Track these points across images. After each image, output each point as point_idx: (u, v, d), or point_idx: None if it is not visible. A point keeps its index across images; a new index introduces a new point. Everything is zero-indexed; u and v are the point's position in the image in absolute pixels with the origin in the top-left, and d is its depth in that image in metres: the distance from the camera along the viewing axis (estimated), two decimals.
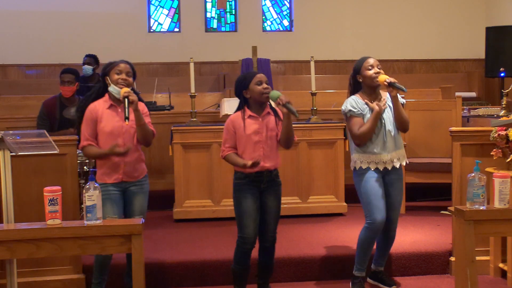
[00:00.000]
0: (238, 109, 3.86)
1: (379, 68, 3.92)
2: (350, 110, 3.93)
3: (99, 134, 3.75)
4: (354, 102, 3.94)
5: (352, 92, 4.05)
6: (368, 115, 3.90)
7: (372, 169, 3.92)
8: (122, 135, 3.73)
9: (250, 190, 3.76)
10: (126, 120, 3.60)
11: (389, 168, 3.95)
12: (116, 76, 3.75)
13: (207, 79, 9.05)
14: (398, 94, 3.92)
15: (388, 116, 3.94)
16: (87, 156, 3.90)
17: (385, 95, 3.99)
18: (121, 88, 3.70)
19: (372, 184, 3.91)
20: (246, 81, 3.76)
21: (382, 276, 4.17)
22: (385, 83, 3.84)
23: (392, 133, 3.94)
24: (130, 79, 3.79)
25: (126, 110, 3.61)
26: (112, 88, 3.73)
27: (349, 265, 4.22)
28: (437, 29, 9.65)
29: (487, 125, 4.66)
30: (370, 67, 3.91)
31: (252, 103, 3.79)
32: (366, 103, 3.92)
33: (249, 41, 7.62)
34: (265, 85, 3.73)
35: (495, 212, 3.33)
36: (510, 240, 4.15)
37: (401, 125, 3.96)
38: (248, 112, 3.78)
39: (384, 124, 3.93)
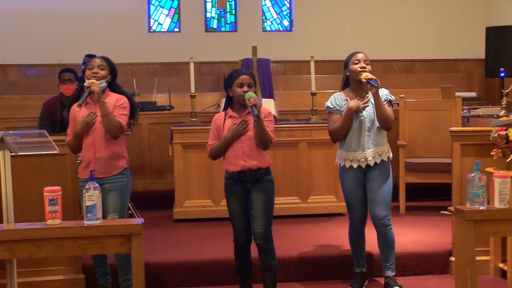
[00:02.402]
0: (225, 107, 3.90)
1: (366, 64, 3.91)
2: (327, 107, 4.00)
3: None
4: (334, 99, 4.00)
5: (343, 87, 4.09)
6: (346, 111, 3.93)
7: (347, 167, 3.96)
8: (92, 132, 3.82)
9: (237, 191, 3.80)
10: (78, 107, 3.76)
11: (363, 166, 3.94)
12: (88, 72, 3.89)
13: (207, 79, 9.04)
14: (389, 92, 3.95)
15: (368, 114, 3.91)
16: (72, 149, 3.98)
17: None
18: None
19: (348, 184, 4.01)
20: (230, 79, 3.80)
21: (389, 280, 4.09)
22: (364, 80, 3.84)
23: (371, 130, 3.92)
24: (102, 72, 3.88)
25: (82, 98, 3.76)
26: (86, 83, 3.84)
27: (349, 265, 4.22)
28: (437, 29, 9.65)
29: (487, 125, 4.66)
30: (356, 61, 3.92)
31: (234, 102, 3.84)
32: (346, 100, 3.94)
33: (249, 41, 7.61)
34: (245, 88, 3.72)
35: (495, 212, 3.33)
36: (510, 240, 4.15)
37: (382, 123, 3.89)
38: (230, 112, 3.84)
39: (362, 121, 3.91)
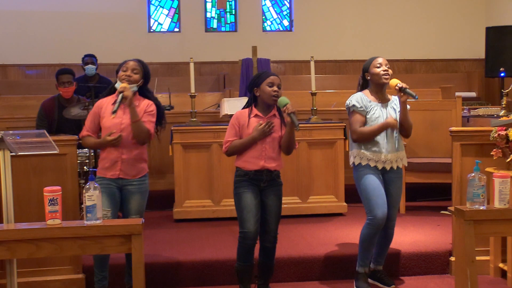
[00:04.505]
0: (247, 106, 3.89)
1: (387, 67, 3.97)
2: (353, 105, 3.96)
3: (102, 129, 3.84)
4: (360, 98, 3.98)
5: (360, 90, 4.10)
6: (371, 113, 3.93)
7: (371, 166, 3.95)
8: (119, 132, 3.78)
9: (250, 186, 3.78)
10: (113, 114, 3.70)
11: (388, 169, 3.97)
12: (121, 73, 3.83)
13: (207, 79, 9.05)
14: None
15: (394, 118, 3.97)
16: (85, 145, 3.99)
17: (392, 97, 4.05)
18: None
19: (371, 181, 3.93)
20: (259, 79, 3.80)
21: (381, 275, 4.17)
22: (396, 88, 3.88)
23: (395, 135, 3.97)
24: (136, 76, 3.83)
25: (117, 104, 3.70)
26: (117, 84, 3.81)
27: (349, 265, 4.22)
28: (437, 29, 9.65)
29: (487, 125, 4.66)
30: (378, 65, 3.97)
31: (260, 102, 3.82)
32: (371, 101, 3.95)
33: (249, 41, 7.61)
34: (275, 88, 3.75)
35: (495, 212, 3.33)
36: (510, 240, 4.15)
37: (405, 130, 3.99)
38: (255, 111, 3.82)
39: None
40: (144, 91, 3.91)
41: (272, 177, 3.81)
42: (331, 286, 4.26)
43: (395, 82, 3.91)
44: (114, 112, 3.70)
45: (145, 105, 3.85)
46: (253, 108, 3.83)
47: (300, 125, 5.64)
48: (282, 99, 3.70)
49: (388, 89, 4.05)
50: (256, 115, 3.80)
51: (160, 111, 3.96)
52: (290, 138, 3.76)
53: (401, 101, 3.91)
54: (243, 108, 3.90)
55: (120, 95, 3.70)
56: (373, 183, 3.93)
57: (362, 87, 4.09)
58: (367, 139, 3.94)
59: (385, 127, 3.91)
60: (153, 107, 3.88)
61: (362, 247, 4.03)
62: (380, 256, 4.18)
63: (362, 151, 3.97)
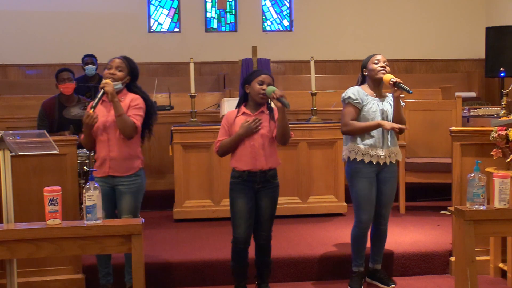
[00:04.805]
0: (238, 104, 3.91)
1: (386, 64, 3.99)
2: (349, 97, 3.97)
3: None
4: (356, 91, 3.99)
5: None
6: (368, 107, 3.94)
7: (366, 162, 3.94)
8: (106, 129, 3.80)
9: (244, 190, 3.78)
10: (92, 109, 3.71)
11: (381, 164, 3.97)
12: (105, 71, 3.86)
13: (207, 79, 9.05)
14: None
15: (390, 113, 3.99)
16: (84, 145, 3.99)
17: (389, 95, 4.06)
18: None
19: (363, 185, 3.96)
20: (251, 77, 3.81)
21: (380, 275, 4.17)
22: (390, 82, 3.88)
23: (390, 130, 3.97)
24: (120, 74, 3.84)
25: (96, 99, 3.71)
26: (101, 83, 3.82)
27: (349, 265, 4.22)
28: (437, 29, 9.65)
29: (487, 125, 4.66)
30: (376, 61, 3.99)
31: (250, 99, 3.84)
32: (369, 95, 3.96)
33: (249, 41, 7.62)
34: (264, 87, 3.74)
35: (495, 212, 3.33)
36: (510, 240, 4.15)
37: None
38: (243, 109, 3.84)
39: (386, 119, 3.97)
40: (131, 87, 3.92)
41: (266, 178, 3.80)
42: (331, 286, 4.27)
43: (389, 77, 3.91)
44: (93, 108, 3.71)
45: (130, 99, 3.85)
46: (242, 106, 3.86)
47: (300, 125, 5.74)
48: (269, 88, 3.70)
49: (385, 89, 4.07)
50: (244, 113, 3.82)
51: (148, 104, 3.93)
52: (284, 125, 3.70)
53: (394, 96, 3.92)
54: (236, 106, 3.92)
55: (102, 90, 3.72)
56: (364, 187, 3.96)
57: (360, 83, 4.11)
58: (357, 134, 3.95)
59: (377, 127, 3.91)
60: (139, 101, 3.86)
61: (353, 247, 4.11)
62: (377, 255, 4.19)
63: (357, 145, 3.97)
